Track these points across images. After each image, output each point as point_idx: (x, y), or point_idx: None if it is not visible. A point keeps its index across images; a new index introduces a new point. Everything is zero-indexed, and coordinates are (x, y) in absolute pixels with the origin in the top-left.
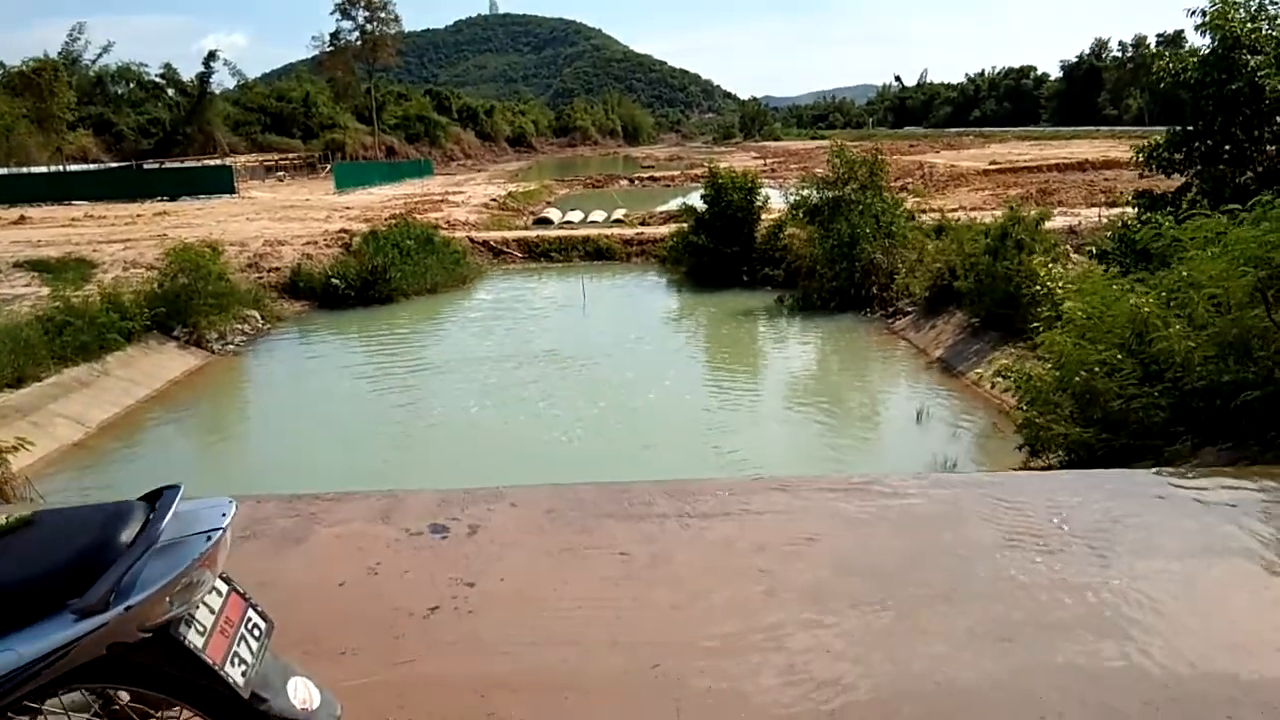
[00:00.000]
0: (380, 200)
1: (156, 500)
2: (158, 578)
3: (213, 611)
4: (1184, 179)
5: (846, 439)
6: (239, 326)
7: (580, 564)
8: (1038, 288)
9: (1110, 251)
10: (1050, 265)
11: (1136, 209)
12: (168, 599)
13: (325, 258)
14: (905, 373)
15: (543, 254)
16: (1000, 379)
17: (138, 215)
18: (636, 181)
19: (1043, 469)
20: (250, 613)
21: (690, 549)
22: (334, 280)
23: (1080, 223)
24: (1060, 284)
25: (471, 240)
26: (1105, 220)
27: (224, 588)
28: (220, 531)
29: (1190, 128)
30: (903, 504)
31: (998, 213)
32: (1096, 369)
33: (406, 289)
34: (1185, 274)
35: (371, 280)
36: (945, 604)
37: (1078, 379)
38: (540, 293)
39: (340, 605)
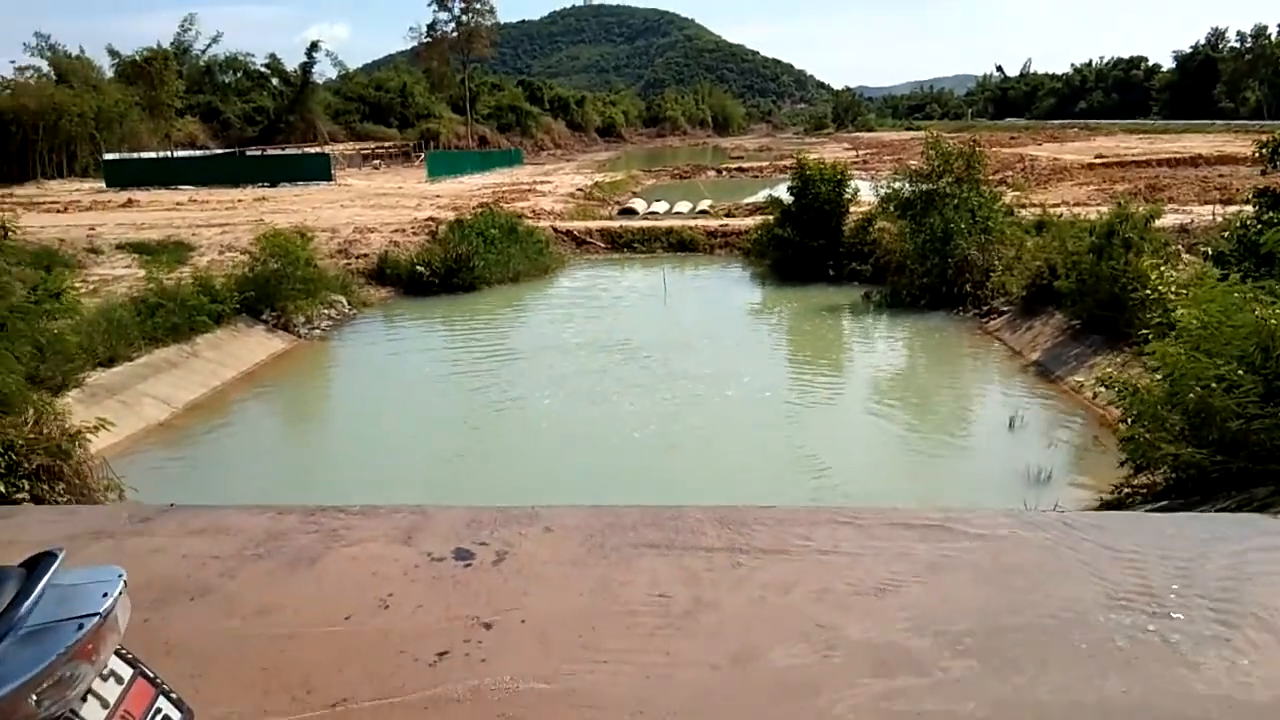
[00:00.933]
0: (470, 189)
1: (35, 567)
2: (18, 672)
3: (106, 705)
4: None
5: (933, 445)
6: (326, 311)
7: (613, 605)
8: (1148, 291)
9: (1228, 254)
10: (1162, 267)
11: (1257, 208)
12: (32, 698)
13: (412, 245)
14: (998, 375)
15: (625, 244)
16: (1103, 388)
17: (238, 200)
18: (724, 172)
19: (1145, 489)
20: (161, 701)
21: (739, 593)
22: (419, 267)
23: (1193, 221)
24: (1173, 288)
25: (555, 230)
26: (1221, 219)
27: (127, 672)
28: (97, 618)
29: None
30: (989, 547)
31: (1103, 209)
32: (1214, 384)
33: (489, 277)
34: None
35: (455, 268)
36: (1036, 684)
37: (1192, 395)
38: (621, 283)
39: (342, 643)
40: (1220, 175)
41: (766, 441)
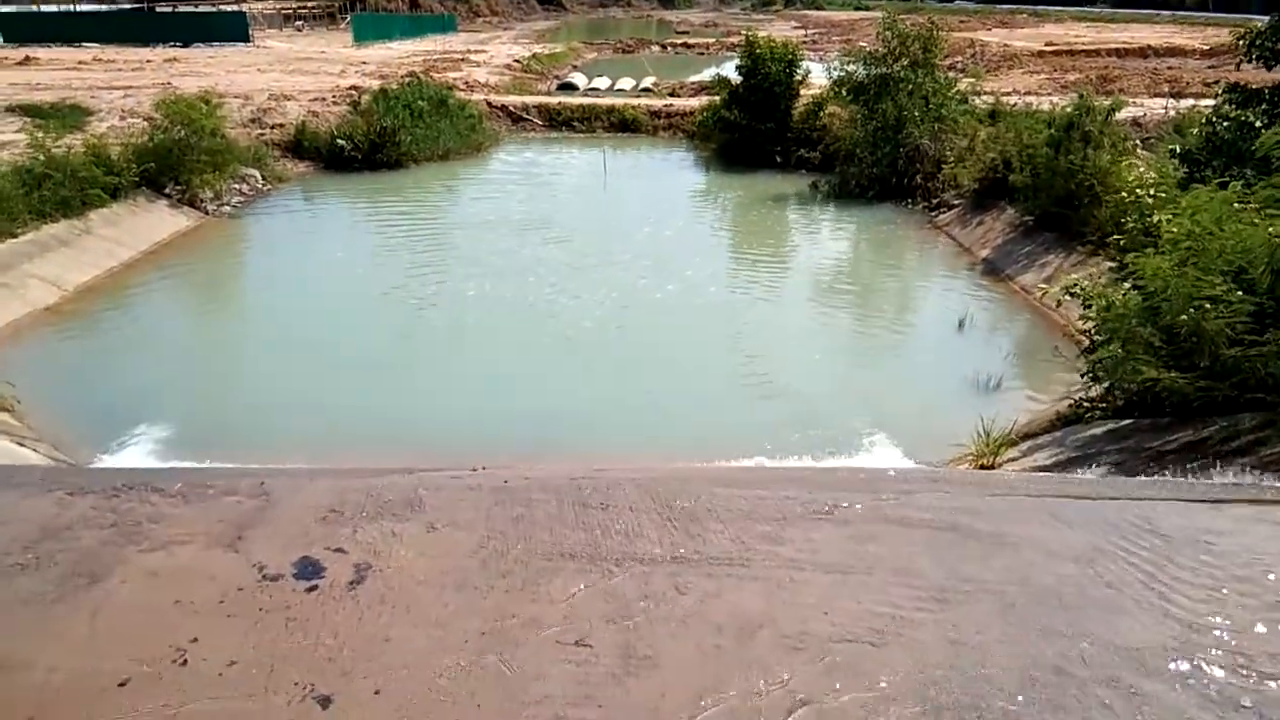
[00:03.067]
0: (399, 56)
1: None
2: None
3: None
4: None
5: (881, 347)
6: (236, 186)
7: (509, 661)
8: (1124, 194)
9: (1195, 151)
10: (1140, 170)
11: (1227, 104)
12: None
13: (332, 116)
14: (947, 273)
15: (564, 123)
16: (1069, 297)
17: (147, 61)
18: (669, 48)
19: (1105, 404)
20: None
21: (685, 638)
22: (340, 141)
23: (1145, 115)
24: (1150, 191)
25: (490, 104)
26: (1173, 113)
27: None
28: None
29: None
30: (1015, 563)
31: (1055, 99)
32: (1207, 305)
33: (417, 154)
34: None
35: (380, 143)
36: None
37: (1185, 317)
38: (559, 165)
39: None
40: (1170, 68)
41: (709, 342)
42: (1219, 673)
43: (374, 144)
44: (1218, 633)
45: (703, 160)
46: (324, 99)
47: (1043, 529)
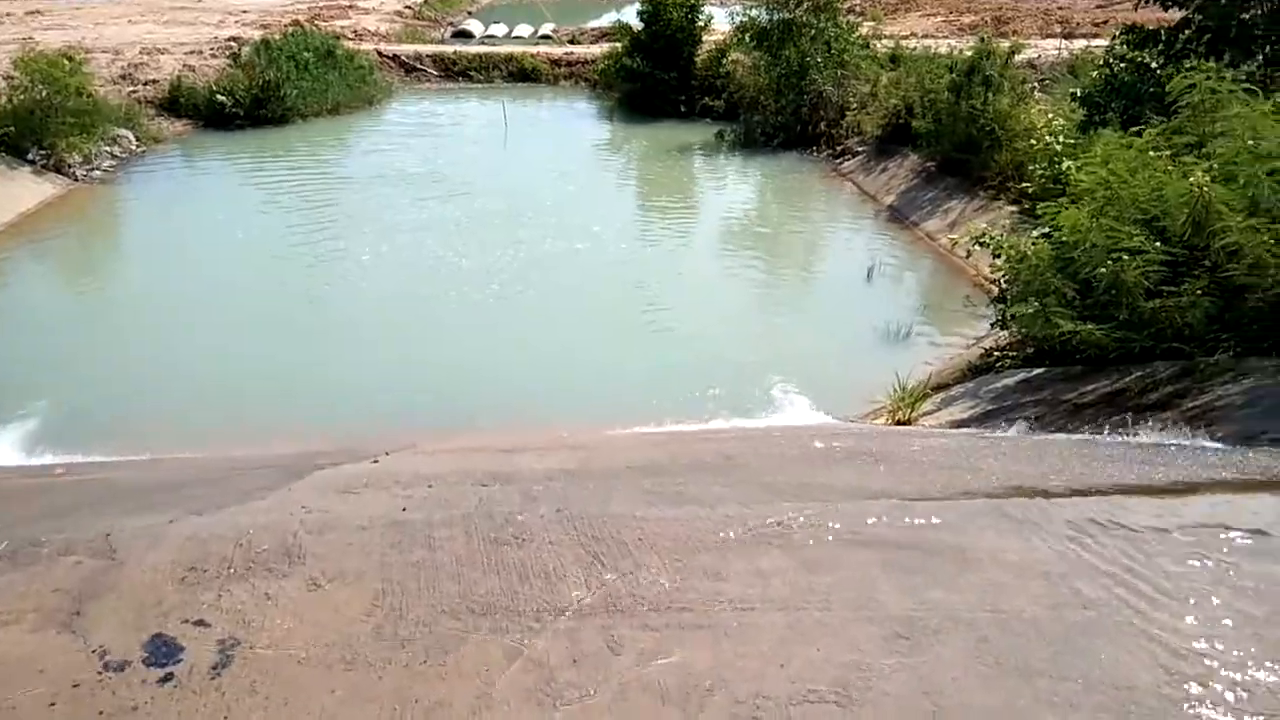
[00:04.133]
0: (281, 3)
1: None
2: None
3: None
4: (1184, 14)
5: (792, 298)
6: (108, 149)
7: None
8: (1032, 141)
9: (1094, 94)
10: (1049, 116)
11: (1123, 45)
12: None
13: (211, 70)
14: (854, 221)
15: (461, 73)
16: (978, 246)
17: (6, 15)
18: None
19: (1014, 353)
20: None
21: (624, 713)
22: (220, 97)
23: (1039, 56)
24: (1060, 138)
25: (380, 54)
26: (1066, 54)
27: None
28: None
29: None
30: (987, 588)
31: (953, 41)
32: (1125, 258)
33: (304, 109)
34: (1250, 143)
35: (263, 98)
36: None
37: (1104, 269)
38: (457, 117)
39: None
40: (1060, 8)
41: (620, 301)
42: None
43: (257, 99)
44: (1211, 662)
45: (606, 110)
46: (201, 52)
47: (1006, 538)
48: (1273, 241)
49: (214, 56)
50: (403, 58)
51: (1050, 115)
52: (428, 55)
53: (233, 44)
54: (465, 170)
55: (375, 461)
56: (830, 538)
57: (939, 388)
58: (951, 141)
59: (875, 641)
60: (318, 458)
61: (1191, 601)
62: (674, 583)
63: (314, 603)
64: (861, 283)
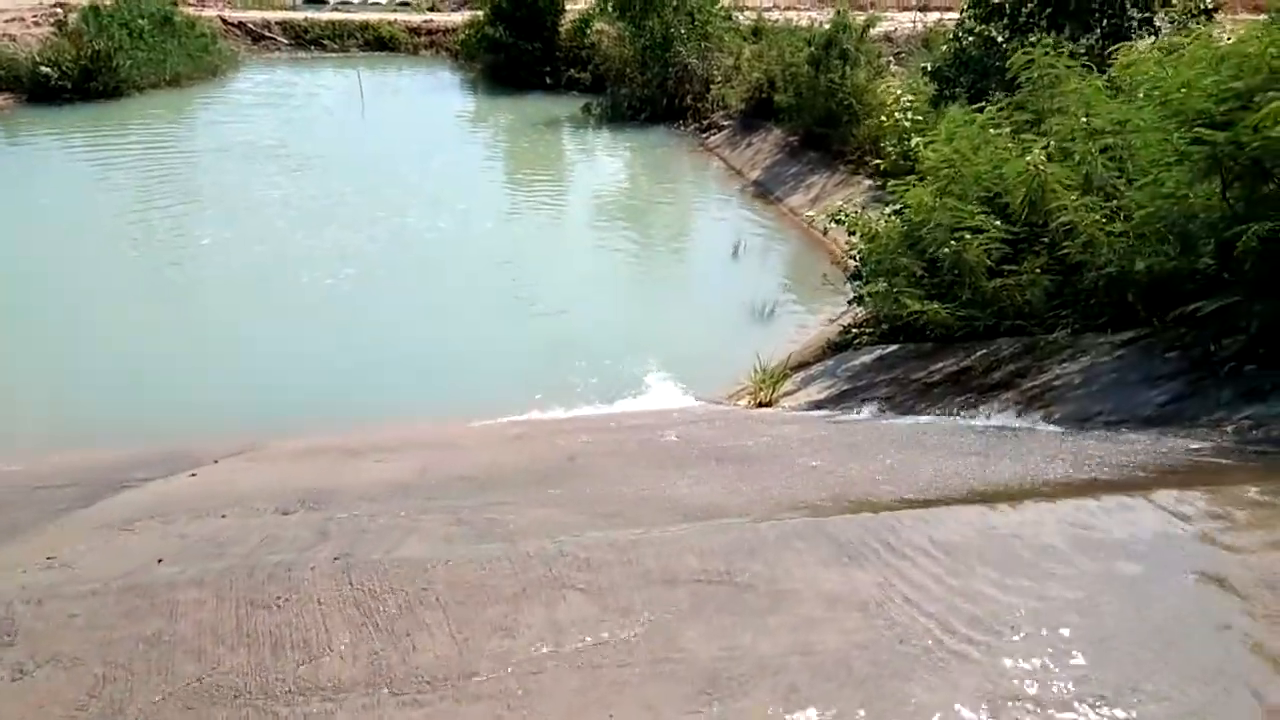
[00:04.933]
0: None
1: None
2: None
3: None
4: None
5: (659, 278)
6: None
7: None
8: (884, 119)
9: (944, 68)
10: (896, 90)
11: (971, 18)
12: None
13: (34, 39)
14: (720, 197)
15: (313, 41)
16: (834, 224)
17: None
18: None
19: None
20: None
21: None
22: (44, 69)
23: (896, 29)
24: (909, 115)
25: (225, 21)
26: (921, 27)
27: None
28: None
29: None
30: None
31: (813, 14)
32: (968, 236)
33: (139, 80)
34: (1084, 120)
35: (93, 69)
36: None
37: (946, 250)
38: (310, 89)
39: None
40: None
41: (484, 283)
42: None
43: (86, 71)
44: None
45: (469, 82)
46: (23, 19)
47: (825, 565)
48: (1104, 219)
49: (37, 24)
50: (250, 25)
51: (899, 91)
52: (277, 22)
53: (58, 10)
54: (319, 145)
55: (194, 475)
56: (641, 574)
57: (801, 365)
58: (812, 115)
59: (676, 701)
60: (136, 470)
61: (1016, 633)
62: (455, 645)
63: (13, 696)
64: (728, 259)
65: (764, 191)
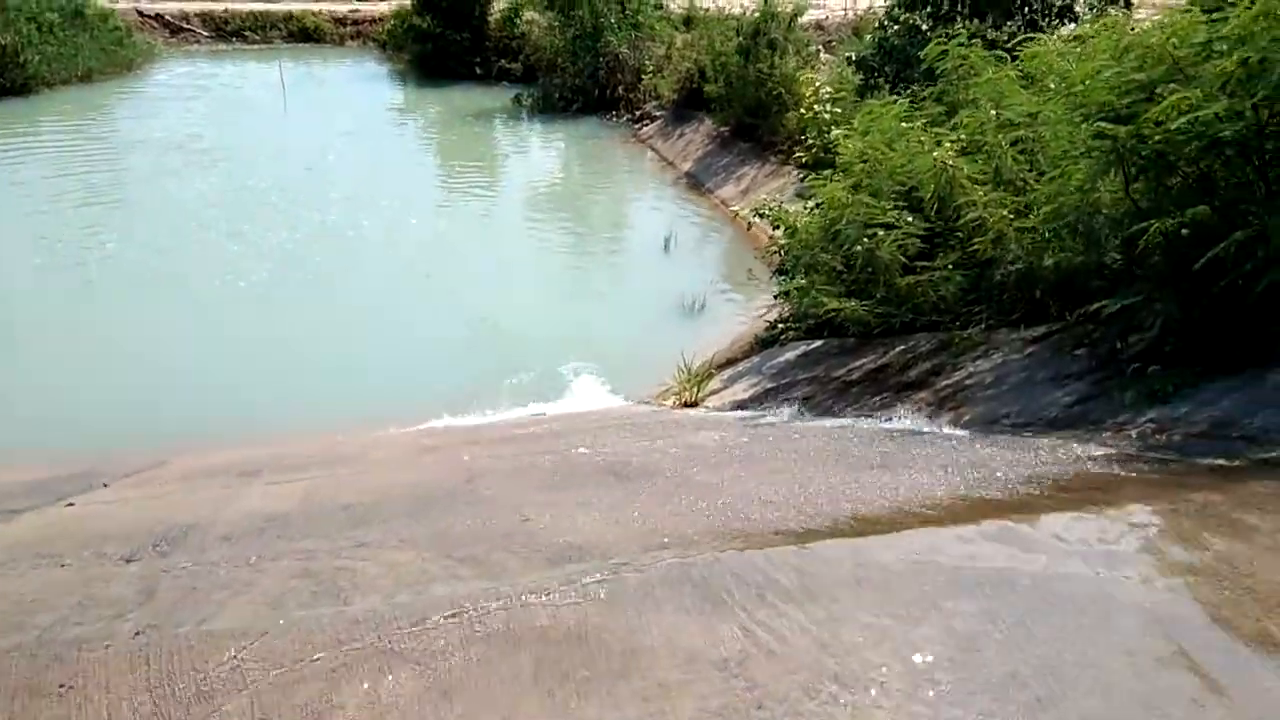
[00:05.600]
0: None
1: None
2: None
3: None
4: None
5: (589, 279)
6: None
7: None
8: (803, 111)
9: (870, 58)
10: (815, 81)
11: (896, 7)
12: None
13: None
14: (652, 189)
15: (234, 33)
16: (758, 218)
17: None
18: None
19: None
20: None
21: None
22: None
23: (827, 17)
24: (828, 108)
25: (141, 13)
26: (852, 15)
27: None
28: None
29: None
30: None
31: (745, 1)
32: (881, 233)
33: (50, 77)
34: (994, 113)
35: (0, 65)
36: None
37: (860, 247)
38: (230, 82)
39: None
40: None
41: (407, 285)
42: None
43: None
44: None
45: (397, 73)
46: None
47: (686, 615)
48: (1013, 215)
49: None
50: (167, 17)
51: (819, 83)
52: (195, 14)
53: None
54: (238, 140)
55: (71, 504)
56: (481, 638)
57: (729, 362)
58: (742, 105)
59: None
60: (20, 496)
61: (886, 693)
62: None
63: None
64: (660, 254)
65: (696, 183)
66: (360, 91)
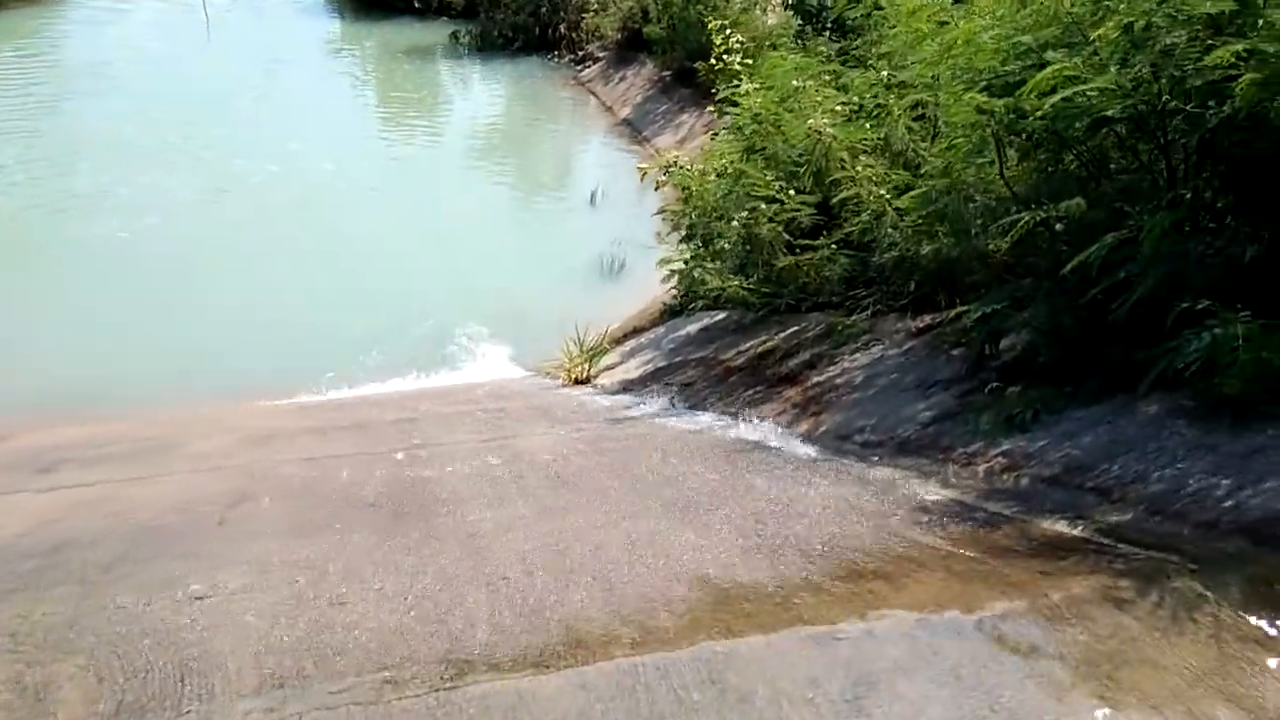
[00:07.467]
0: None
1: None
2: None
3: None
4: None
5: (510, 234)
6: None
7: None
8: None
9: (805, 3)
10: (726, 31)
11: None
12: None
13: None
14: (588, 137)
15: None
16: (665, 175)
17: None
18: None
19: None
20: None
21: None
22: None
23: None
24: (739, 58)
25: None
26: None
27: None
28: None
29: None
30: None
31: None
32: (763, 207)
33: None
34: (885, 75)
35: None
36: None
37: (735, 223)
38: (149, 9)
39: None
40: None
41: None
42: None
43: None
44: None
45: (333, 6)
46: None
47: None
48: (895, 194)
49: None
50: None
51: (728, 30)
52: None
53: None
54: (150, 76)
55: None
56: None
57: (636, 330)
58: (685, 49)
59: None
60: None
61: None
62: None
63: None
64: (585, 208)
65: (634, 131)
66: (290, 24)
